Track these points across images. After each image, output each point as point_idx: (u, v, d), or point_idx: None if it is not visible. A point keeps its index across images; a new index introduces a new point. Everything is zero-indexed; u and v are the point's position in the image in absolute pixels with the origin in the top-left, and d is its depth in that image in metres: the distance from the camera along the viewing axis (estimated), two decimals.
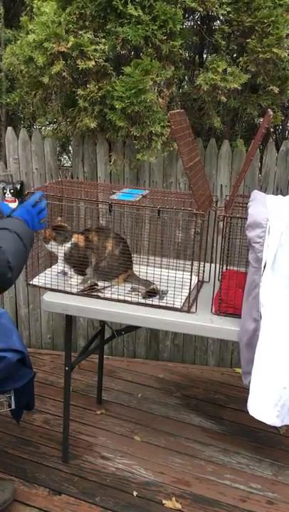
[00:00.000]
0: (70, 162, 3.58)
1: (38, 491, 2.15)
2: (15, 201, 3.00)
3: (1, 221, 1.68)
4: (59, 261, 2.19)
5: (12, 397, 2.21)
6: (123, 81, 2.41)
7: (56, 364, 3.15)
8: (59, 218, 2.16)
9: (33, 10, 2.61)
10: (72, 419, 2.50)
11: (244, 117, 3.16)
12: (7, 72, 3.10)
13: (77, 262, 2.11)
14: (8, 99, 3.15)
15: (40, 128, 3.45)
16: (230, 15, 2.47)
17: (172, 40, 2.44)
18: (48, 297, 2.08)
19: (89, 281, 2.15)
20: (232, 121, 3.12)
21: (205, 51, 3.04)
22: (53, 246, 2.11)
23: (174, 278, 1.99)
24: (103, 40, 2.47)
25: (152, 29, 2.37)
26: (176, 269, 2.15)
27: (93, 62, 2.43)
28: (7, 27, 3.24)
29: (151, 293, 2.08)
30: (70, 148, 3.37)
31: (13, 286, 3.26)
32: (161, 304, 2.01)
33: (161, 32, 2.40)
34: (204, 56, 2.99)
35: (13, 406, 2.23)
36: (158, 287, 2.08)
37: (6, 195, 3.00)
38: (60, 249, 2.11)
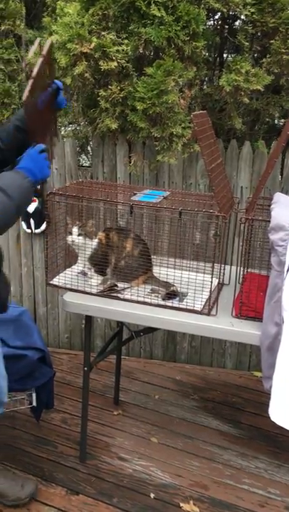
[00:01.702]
0: (88, 162, 3.59)
1: (55, 491, 2.16)
2: (35, 201, 3.02)
3: None
4: (79, 261, 2.20)
5: (33, 395, 2.24)
6: (145, 82, 2.41)
7: (74, 363, 3.16)
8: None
9: (56, 11, 2.62)
10: (89, 419, 2.49)
11: (265, 118, 3.14)
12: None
13: (99, 261, 2.11)
14: None
15: (60, 128, 3.46)
16: (254, 15, 2.45)
17: (195, 40, 2.43)
18: (68, 298, 2.09)
19: (108, 282, 2.15)
20: (252, 122, 3.09)
21: (226, 52, 3.03)
22: (80, 243, 2.10)
23: (194, 280, 1.98)
24: (126, 41, 2.47)
25: (175, 30, 2.37)
26: (196, 271, 2.14)
27: (115, 63, 2.44)
28: (28, 27, 3.25)
29: (171, 295, 2.07)
30: (89, 148, 3.38)
31: (32, 285, 3.28)
32: (181, 306, 2.01)
33: (184, 33, 2.39)
34: (225, 57, 2.97)
35: (34, 403, 2.25)
36: (178, 289, 2.08)
37: None
38: (85, 247, 2.10)
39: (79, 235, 2.08)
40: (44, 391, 2.22)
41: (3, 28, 3.09)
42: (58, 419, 2.62)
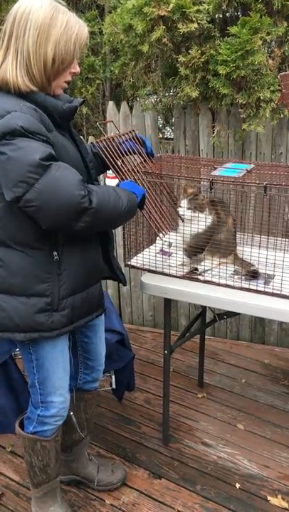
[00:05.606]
0: (173, 135, 3.45)
1: (138, 473, 2.14)
2: (116, 177, 2.95)
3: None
4: (158, 240, 2.10)
5: (112, 377, 2.22)
6: (228, 43, 2.20)
7: (157, 342, 3.11)
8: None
9: None
10: (172, 400, 2.45)
11: None
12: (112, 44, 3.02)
13: (203, 242, 1.92)
14: (112, 69, 3.09)
15: (140, 100, 3.35)
16: None
17: None
18: (146, 279, 2.01)
19: (189, 264, 2.03)
20: None
21: None
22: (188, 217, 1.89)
23: (282, 260, 1.80)
24: None
25: None
26: (284, 251, 1.95)
27: (196, 25, 2.25)
28: None
29: (252, 275, 1.90)
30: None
31: None
32: (267, 289, 1.84)
33: None
34: None
35: (113, 385, 2.24)
36: (259, 269, 1.90)
37: (108, 171, 2.96)
38: (191, 222, 1.89)
39: (188, 208, 1.88)
40: (124, 374, 2.19)
41: None
42: (141, 399, 2.59)
